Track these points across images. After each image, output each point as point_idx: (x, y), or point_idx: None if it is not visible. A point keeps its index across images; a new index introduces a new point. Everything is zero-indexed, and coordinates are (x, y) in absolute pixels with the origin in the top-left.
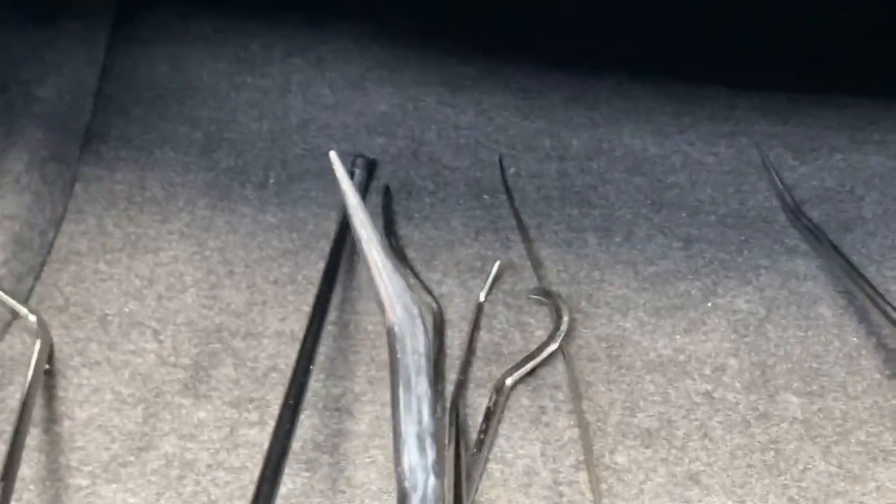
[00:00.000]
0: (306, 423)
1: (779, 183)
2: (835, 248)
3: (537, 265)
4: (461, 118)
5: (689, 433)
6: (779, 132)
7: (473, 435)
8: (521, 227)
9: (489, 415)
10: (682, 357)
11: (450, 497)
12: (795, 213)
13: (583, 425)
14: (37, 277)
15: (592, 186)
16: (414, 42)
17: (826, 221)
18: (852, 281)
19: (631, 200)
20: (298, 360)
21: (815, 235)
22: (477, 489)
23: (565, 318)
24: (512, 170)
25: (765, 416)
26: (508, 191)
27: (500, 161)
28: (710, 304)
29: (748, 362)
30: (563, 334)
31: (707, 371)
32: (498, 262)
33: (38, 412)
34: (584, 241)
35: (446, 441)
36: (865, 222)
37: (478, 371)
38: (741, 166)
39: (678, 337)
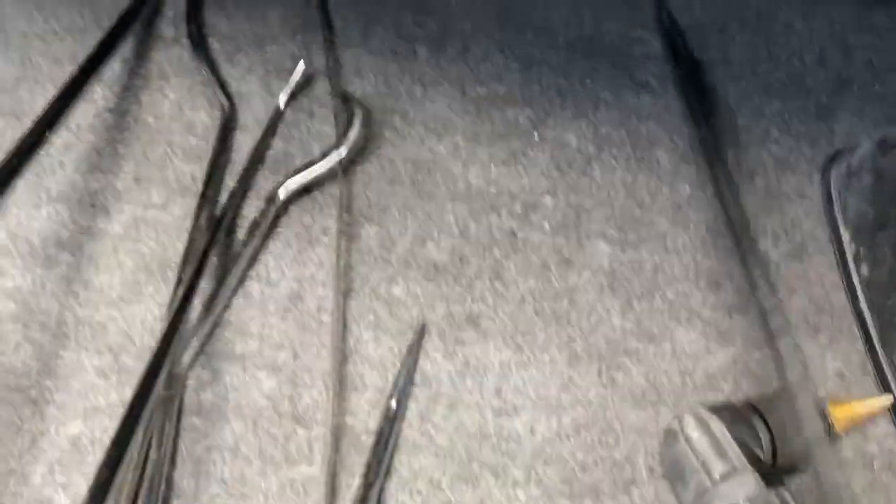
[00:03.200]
0: (53, 218)
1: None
2: (687, 87)
3: (335, 71)
4: None
5: (481, 272)
6: None
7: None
8: (327, 28)
9: (253, 227)
10: (493, 189)
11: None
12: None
13: (340, 248)
14: None
15: None
16: None
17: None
18: (699, 126)
19: (475, 11)
20: (25, 137)
21: (667, 70)
22: (227, 307)
23: (356, 125)
24: None
25: (567, 262)
26: None
27: None
28: (536, 136)
29: (564, 202)
30: (350, 142)
31: (517, 208)
32: (302, 64)
33: None
34: (413, 52)
35: (200, 253)
36: (730, 65)
37: (263, 181)
38: None
39: (493, 167)
